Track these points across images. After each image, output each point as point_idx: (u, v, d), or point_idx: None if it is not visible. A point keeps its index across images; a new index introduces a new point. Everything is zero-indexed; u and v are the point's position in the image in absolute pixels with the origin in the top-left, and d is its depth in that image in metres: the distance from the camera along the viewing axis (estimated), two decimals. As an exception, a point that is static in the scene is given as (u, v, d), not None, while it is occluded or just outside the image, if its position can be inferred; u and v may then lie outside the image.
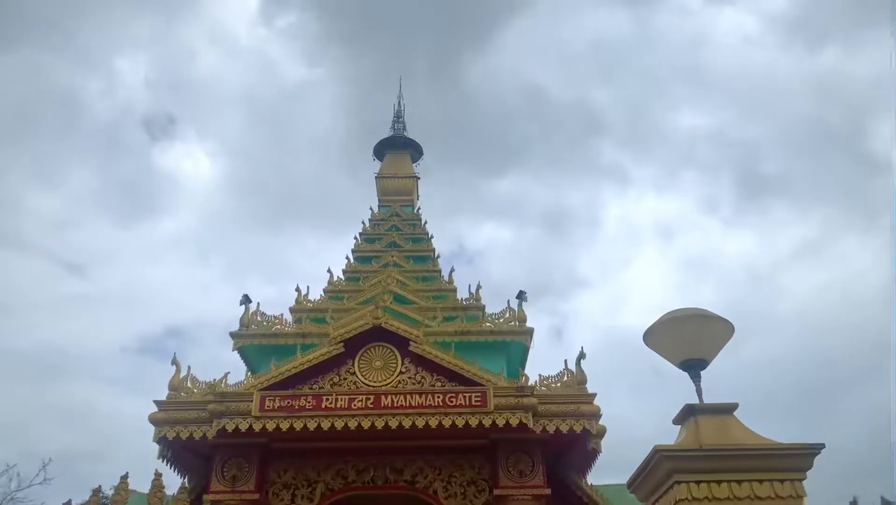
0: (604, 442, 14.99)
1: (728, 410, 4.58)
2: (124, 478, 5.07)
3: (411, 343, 15.01)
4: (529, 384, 14.39)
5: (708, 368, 4.78)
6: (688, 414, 4.58)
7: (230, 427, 13.59)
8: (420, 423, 13.85)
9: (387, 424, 13.80)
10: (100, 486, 4.84)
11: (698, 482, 4.24)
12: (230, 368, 16.36)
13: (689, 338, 4.63)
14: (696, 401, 4.71)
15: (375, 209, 22.88)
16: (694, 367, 4.69)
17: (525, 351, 17.64)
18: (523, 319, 17.33)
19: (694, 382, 4.72)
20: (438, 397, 14.19)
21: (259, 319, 17.03)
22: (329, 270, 19.83)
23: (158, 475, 5.63)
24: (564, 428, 13.91)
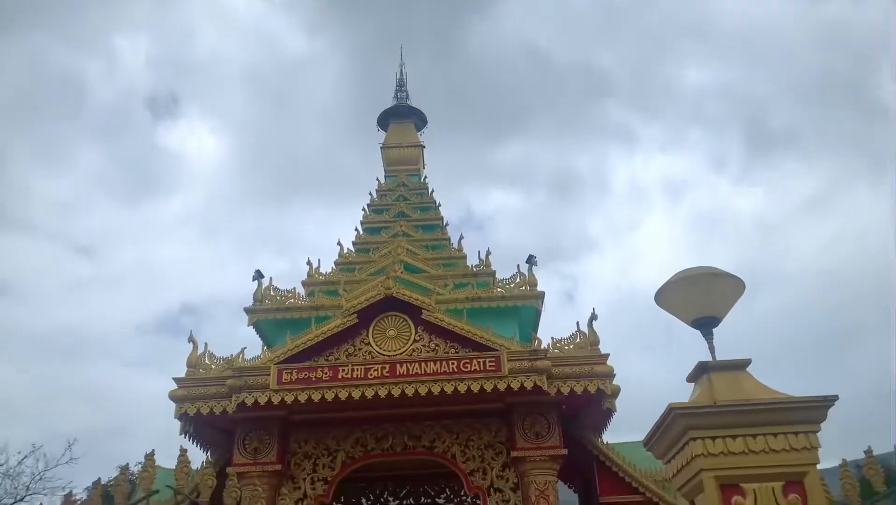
0: (618, 401, 15.17)
1: (741, 366, 4.64)
2: (150, 455, 5.19)
3: (424, 311, 15.13)
4: (542, 347, 14.52)
5: (720, 324, 4.83)
6: (701, 371, 4.64)
7: (249, 401, 13.82)
8: (436, 389, 14.03)
9: (403, 391, 13.98)
10: (127, 463, 5.00)
11: (714, 438, 4.32)
12: (245, 343, 16.62)
13: (700, 296, 4.68)
14: (708, 358, 4.78)
15: (382, 180, 22.87)
16: (706, 325, 4.75)
17: (537, 315, 17.73)
18: (534, 284, 17.40)
19: (706, 339, 4.78)
20: (453, 364, 14.34)
21: (272, 293, 17.17)
22: (339, 243, 19.92)
23: (183, 451, 5.75)
24: (579, 389, 14.06)
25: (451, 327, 14.91)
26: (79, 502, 5.58)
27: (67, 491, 5.35)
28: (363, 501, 18.20)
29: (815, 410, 4.31)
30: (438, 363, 14.41)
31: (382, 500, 18.28)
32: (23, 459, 29.64)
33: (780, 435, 4.30)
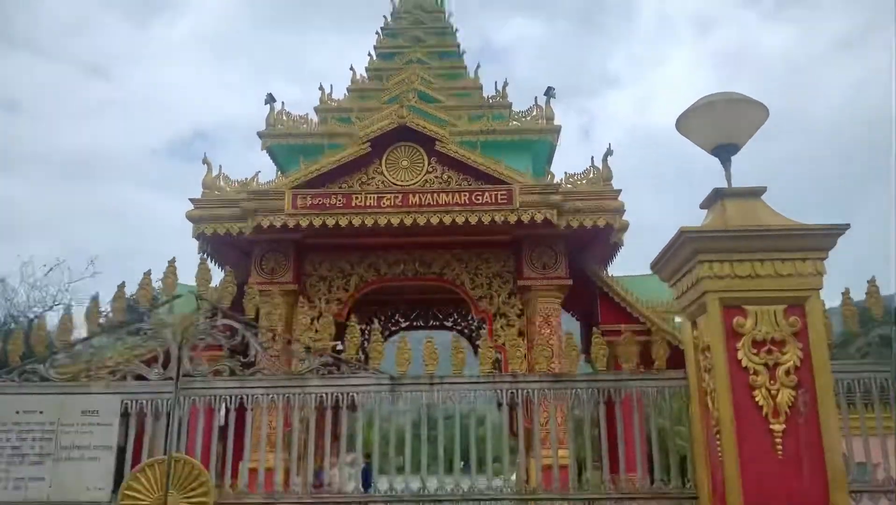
0: (625, 238, 15.43)
1: (756, 193, 4.65)
2: (172, 261, 5.39)
3: (437, 143, 15.02)
4: (555, 182, 14.56)
5: (739, 162, 4.80)
6: (715, 197, 4.67)
7: (265, 224, 14.10)
8: (447, 220, 14.23)
9: (415, 221, 14.20)
10: (150, 269, 5.19)
11: (721, 261, 4.42)
12: (258, 169, 16.64)
13: (722, 122, 4.61)
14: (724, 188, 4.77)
15: (397, 1, 21.84)
16: (725, 151, 4.71)
17: (551, 150, 17.58)
18: (550, 117, 17.09)
19: (724, 167, 4.76)
20: (465, 196, 14.45)
21: (285, 119, 16.98)
22: (351, 68, 19.39)
23: (203, 259, 5.97)
24: (588, 223, 14.24)
25: (465, 160, 14.88)
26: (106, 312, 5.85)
27: (95, 293, 5.63)
28: (375, 322, 19.06)
29: (825, 237, 4.37)
30: (451, 195, 14.52)
31: (394, 320, 19.15)
32: (48, 272, 31.02)
33: (789, 261, 4.39)
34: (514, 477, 7.03)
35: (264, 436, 5.31)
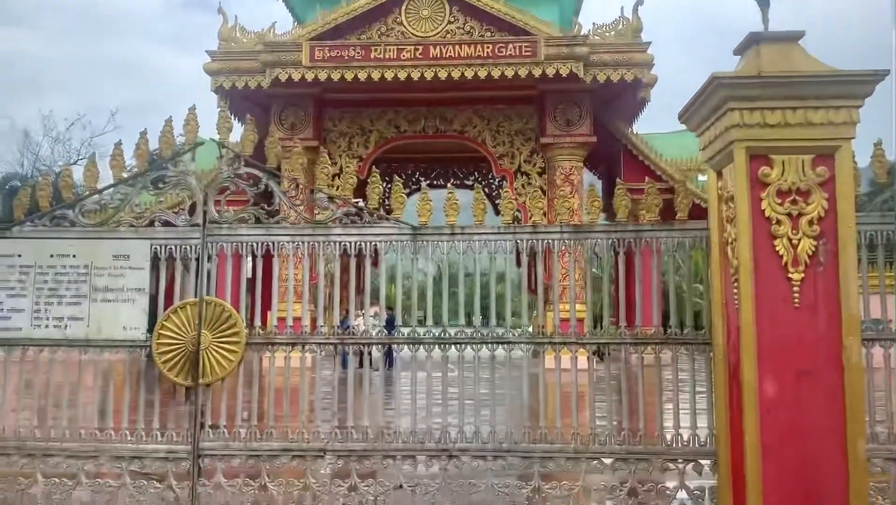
0: (653, 94, 15.00)
1: (793, 38, 4.43)
2: (192, 108, 5.35)
3: (459, -11, 14.38)
4: (582, 34, 14.00)
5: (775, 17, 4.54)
6: (750, 42, 4.45)
7: (283, 77, 13.86)
8: (469, 74, 13.89)
9: (436, 74, 13.88)
10: (170, 116, 5.16)
11: (752, 109, 4.27)
12: (275, 19, 16.10)
13: (764, -40, 4.33)
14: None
15: None
16: (765, -8, 4.46)
17: (579, -1, 16.80)
18: (580, -37, 16.20)
19: (762, 10, 4.52)
20: (488, 48, 14.02)
21: (300, -35, 16.26)
22: None
23: (223, 107, 5.93)
24: (615, 77, 13.84)
25: (488, 8, 14.29)
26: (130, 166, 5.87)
27: (118, 141, 5.65)
28: (395, 178, 19.11)
29: (862, 83, 4.19)
30: (473, 47, 14.08)
31: (414, 179, 19.19)
32: (70, 126, 31.18)
33: (822, 109, 4.25)
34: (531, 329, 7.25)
35: (291, 285, 5.47)
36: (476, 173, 19.29)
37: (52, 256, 5.12)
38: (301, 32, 14.39)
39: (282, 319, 5.36)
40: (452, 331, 5.18)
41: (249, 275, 5.52)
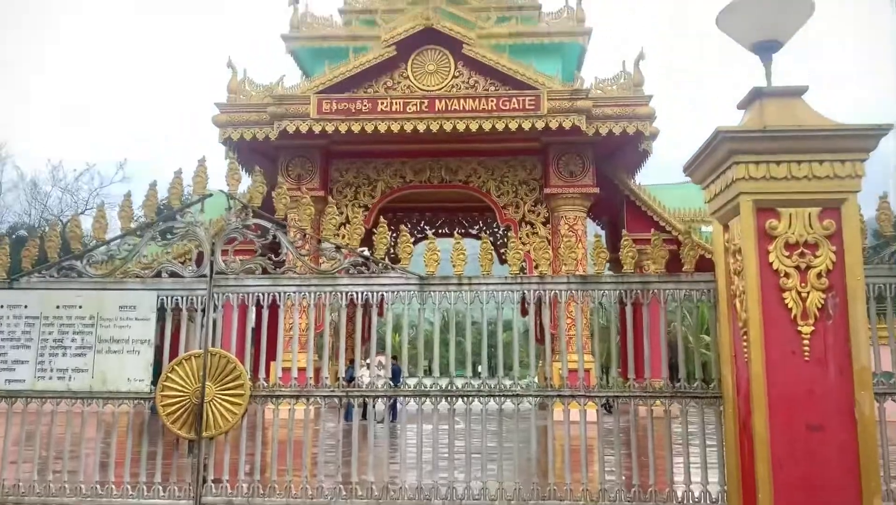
0: (654, 147, 15.16)
1: (796, 93, 4.49)
2: (202, 160, 5.41)
3: (465, 46, 14.66)
4: (584, 87, 14.21)
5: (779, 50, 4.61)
6: (754, 97, 4.51)
7: (291, 129, 14.04)
8: (474, 126, 14.06)
9: (441, 126, 14.06)
10: (180, 168, 5.22)
11: (758, 162, 4.31)
12: (283, 72, 16.42)
13: (764, 17, 4.40)
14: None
15: None
16: (767, 49, 4.52)
17: (582, 53, 17.09)
18: (581, 19, 16.53)
19: (764, 65, 4.58)
20: (492, 101, 14.22)
21: (309, 21, 16.62)
22: (376, -33, 18.74)
23: (233, 158, 6.01)
24: (617, 130, 13.99)
25: (492, 64, 14.55)
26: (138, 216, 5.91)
27: (127, 192, 5.69)
28: (401, 227, 19.18)
29: (866, 137, 4.23)
30: (477, 100, 14.29)
31: (420, 227, 19.26)
32: (79, 176, 31.53)
33: (827, 162, 4.28)
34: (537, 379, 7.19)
35: (296, 335, 5.45)
36: (481, 222, 19.38)
37: (58, 306, 5.12)
38: (309, 86, 14.65)
39: (286, 370, 5.32)
40: (459, 383, 5.13)
41: (254, 324, 5.51)
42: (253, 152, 15.33)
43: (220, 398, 4.91)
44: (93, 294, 5.18)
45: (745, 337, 4.35)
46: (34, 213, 31.43)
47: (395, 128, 14.11)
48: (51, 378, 5.05)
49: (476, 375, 5.30)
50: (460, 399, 5.03)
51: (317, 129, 14.07)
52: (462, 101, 14.33)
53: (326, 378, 5.10)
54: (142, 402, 5.01)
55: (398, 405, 5.75)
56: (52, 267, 5.22)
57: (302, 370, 5.53)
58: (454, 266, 5.19)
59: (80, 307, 5.16)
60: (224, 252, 5.31)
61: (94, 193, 30.84)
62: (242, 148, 14.98)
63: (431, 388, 5.06)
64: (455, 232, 19.31)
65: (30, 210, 31.55)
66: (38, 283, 5.24)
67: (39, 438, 5.10)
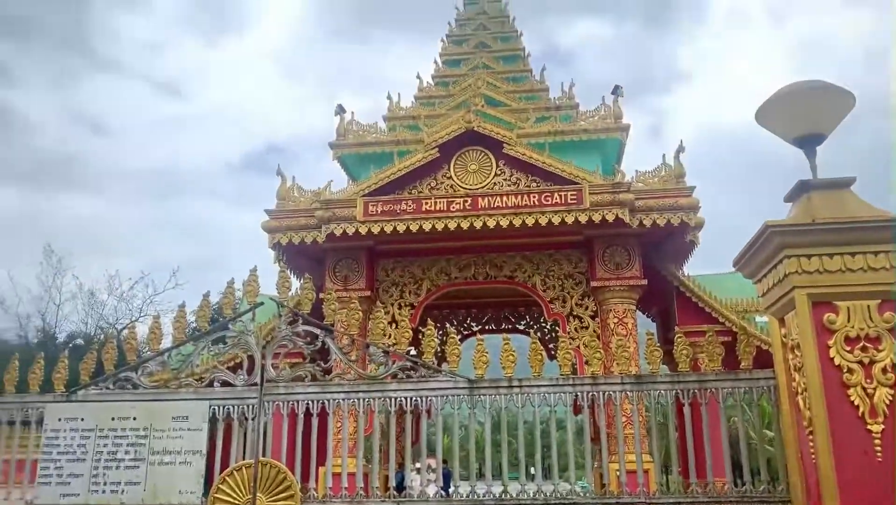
0: (701, 235, 15.03)
1: (844, 184, 4.46)
2: (253, 270, 5.56)
3: (505, 145, 15.01)
4: (625, 180, 14.32)
5: (821, 154, 4.60)
6: (801, 190, 4.49)
7: (338, 232, 14.36)
8: (517, 222, 14.18)
9: (484, 223, 14.22)
10: (232, 278, 5.39)
11: (809, 256, 4.25)
12: (330, 178, 16.94)
13: (806, 111, 4.43)
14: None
15: (461, 7, 21.91)
16: (810, 142, 4.53)
17: (620, 148, 17.30)
18: (619, 116, 16.82)
19: (808, 158, 4.58)
20: (534, 197, 14.38)
21: (354, 128, 17.26)
22: (418, 76, 19.56)
23: (283, 267, 6.15)
24: (661, 222, 13.94)
25: (533, 161, 14.81)
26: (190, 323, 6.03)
27: (181, 302, 5.90)
28: (447, 326, 19.12)
29: (921, 227, 4.15)
30: (520, 197, 14.48)
31: (466, 324, 19.18)
32: (133, 285, 32.64)
33: (881, 253, 4.19)
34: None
35: (346, 440, 5.39)
36: (528, 317, 19.23)
37: (113, 418, 5.19)
38: (355, 189, 15.06)
39: (336, 475, 5.24)
40: (513, 489, 4.98)
41: (303, 428, 5.48)
42: (300, 255, 15.65)
43: (270, 510, 4.84)
44: (147, 405, 5.25)
45: (811, 437, 4.16)
46: (90, 322, 32.35)
47: (440, 226, 14.32)
48: (104, 491, 5.06)
49: (529, 477, 5.14)
50: (515, 508, 4.86)
51: (363, 230, 14.37)
52: (504, 197, 14.53)
53: (377, 488, 4.99)
54: (192, 515, 4.96)
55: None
56: (108, 379, 5.33)
57: (351, 475, 5.45)
58: (504, 368, 5.14)
59: (135, 418, 5.22)
60: (276, 355, 5.37)
61: (148, 301, 31.73)
62: (290, 251, 15.33)
63: (485, 497, 4.92)
64: (502, 327, 19.26)
65: (86, 319, 32.51)
66: (95, 395, 5.33)
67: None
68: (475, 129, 15.12)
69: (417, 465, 8.11)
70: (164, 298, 31.42)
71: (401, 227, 14.29)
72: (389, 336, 6.41)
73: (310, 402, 5.19)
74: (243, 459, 5.10)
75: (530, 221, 14.07)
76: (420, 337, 5.41)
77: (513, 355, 5.15)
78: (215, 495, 4.93)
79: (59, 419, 5.25)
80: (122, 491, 5.04)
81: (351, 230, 14.38)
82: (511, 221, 14.12)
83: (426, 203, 14.54)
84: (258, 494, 4.86)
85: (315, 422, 5.24)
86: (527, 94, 18.74)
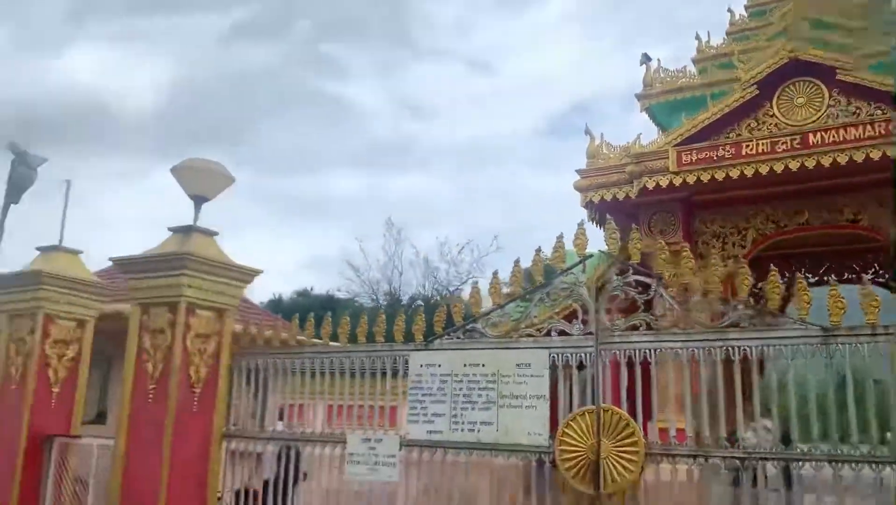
0: None
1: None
2: (581, 224, 5.71)
3: (839, 71, 13.27)
4: None
5: None
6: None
7: (651, 185, 14.01)
8: (858, 157, 12.54)
9: (818, 162, 12.80)
10: (561, 232, 5.60)
11: None
12: (638, 131, 16.55)
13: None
14: None
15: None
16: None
17: None
18: None
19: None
20: (879, 126, 12.55)
21: (661, 75, 16.61)
22: (729, 10, 18.14)
23: (610, 220, 6.22)
24: None
25: (875, 85, 12.90)
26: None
27: (516, 259, 6.33)
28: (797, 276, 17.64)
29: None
30: (861, 128, 12.76)
31: (802, 276, 17.54)
32: (461, 250, 35.77)
33: None
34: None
35: (687, 393, 5.30)
36: (876, 265, 16.92)
37: (465, 365, 5.73)
38: (666, 140, 14.52)
39: (663, 430, 5.18)
40: (865, 448, 4.50)
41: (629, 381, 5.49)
42: (613, 211, 15.57)
43: (615, 455, 4.97)
44: (492, 353, 5.70)
45: None
46: (427, 285, 36.21)
47: (764, 170, 13.22)
48: (462, 430, 5.63)
49: (883, 442, 4.63)
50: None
51: (677, 181, 13.83)
52: (841, 130, 12.92)
53: (720, 439, 4.84)
54: (542, 455, 5.29)
55: (791, 472, 5.18)
56: (458, 329, 5.89)
57: (680, 430, 5.34)
58: (865, 314, 4.62)
59: (483, 365, 5.70)
60: (608, 310, 5.45)
61: (474, 264, 34.47)
62: (603, 208, 15.34)
63: (834, 452, 4.50)
64: (844, 277, 17.17)
65: (424, 282, 36.48)
66: (448, 343, 5.93)
67: (443, 489, 5.65)
68: (800, 57, 13.61)
69: (753, 424, 7.70)
70: (488, 261, 33.99)
71: (719, 175, 13.47)
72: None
73: (646, 350, 5.19)
74: (581, 405, 5.29)
75: (876, 155, 12.32)
76: (765, 288, 5.07)
77: (877, 300, 4.59)
78: (561, 438, 5.19)
79: (421, 365, 5.94)
80: (478, 430, 5.56)
81: (664, 182, 13.93)
82: (851, 157, 12.51)
83: (746, 146, 13.50)
84: (602, 439, 5.01)
85: (648, 373, 5.24)
86: (862, 10, 16.32)
